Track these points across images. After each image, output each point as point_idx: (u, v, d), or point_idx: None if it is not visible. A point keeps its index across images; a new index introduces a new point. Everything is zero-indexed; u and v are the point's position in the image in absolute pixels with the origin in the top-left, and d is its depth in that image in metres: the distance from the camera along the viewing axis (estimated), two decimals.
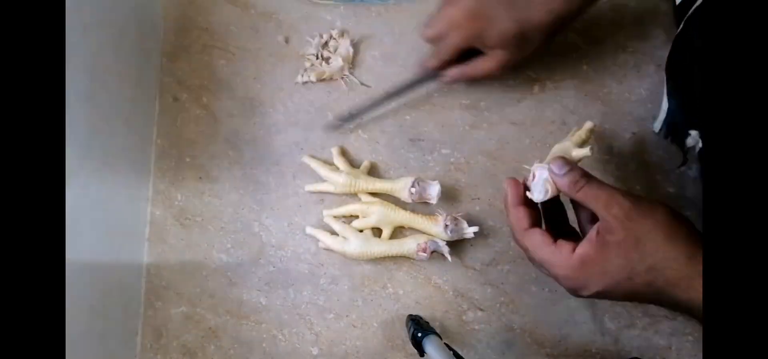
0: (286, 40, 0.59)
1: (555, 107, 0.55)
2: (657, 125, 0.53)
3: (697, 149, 0.49)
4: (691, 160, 0.51)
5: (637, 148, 0.53)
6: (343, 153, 0.55)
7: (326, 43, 0.58)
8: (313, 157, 0.55)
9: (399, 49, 0.58)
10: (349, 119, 0.55)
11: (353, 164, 0.55)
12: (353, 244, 0.51)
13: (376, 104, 0.55)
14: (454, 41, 0.48)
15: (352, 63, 0.58)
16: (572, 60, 0.55)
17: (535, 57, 0.50)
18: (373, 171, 0.55)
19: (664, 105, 0.51)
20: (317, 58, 0.58)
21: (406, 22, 0.59)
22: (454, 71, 0.50)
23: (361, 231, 0.52)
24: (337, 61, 0.57)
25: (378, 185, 0.52)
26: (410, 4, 0.59)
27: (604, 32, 0.56)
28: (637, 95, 0.55)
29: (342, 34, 0.58)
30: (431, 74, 0.52)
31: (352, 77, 0.57)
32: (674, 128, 0.51)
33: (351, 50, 0.57)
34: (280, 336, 0.52)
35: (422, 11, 0.59)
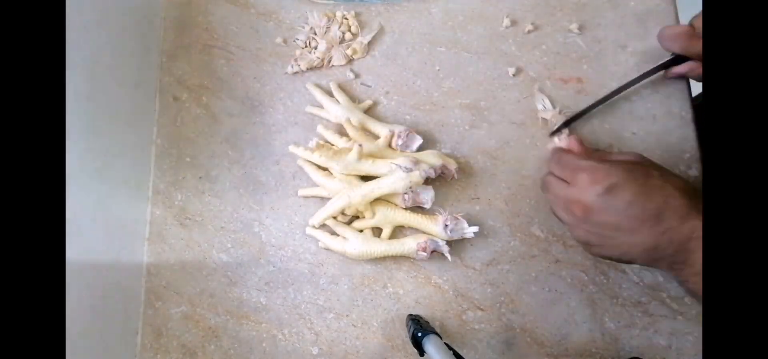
0: (285, 41, 0.59)
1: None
2: None
3: None
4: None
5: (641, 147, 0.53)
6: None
7: (315, 34, 0.58)
8: (309, 162, 0.54)
9: (399, 49, 0.58)
10: (568, 124, 0.53)
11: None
12: (353, 244, 0.51)
13: (594, 105, 0.53)
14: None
15: (351, 58, 0.58)
16: (572, 60, 0.55)
17: None
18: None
19: None
20: (306, 47, 0.58)
21: (406, 22, 0.59)
22: (684, 67, 0.52)
23: (361, 231, 0.52)
24: (321, 45, 0.57)
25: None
26: (410, 4, 0.59)
27: (604, 32, 0.56)
28: (636, 94, 0.55)
29: (327, 26, 0.58)
30: (659, 68, 0.53)
31: (341, 52, 0.57)
32: None
33: (338, 34, 0.58)
34: (280, 336, 0.52)
35: (422, 11, 0.59)
